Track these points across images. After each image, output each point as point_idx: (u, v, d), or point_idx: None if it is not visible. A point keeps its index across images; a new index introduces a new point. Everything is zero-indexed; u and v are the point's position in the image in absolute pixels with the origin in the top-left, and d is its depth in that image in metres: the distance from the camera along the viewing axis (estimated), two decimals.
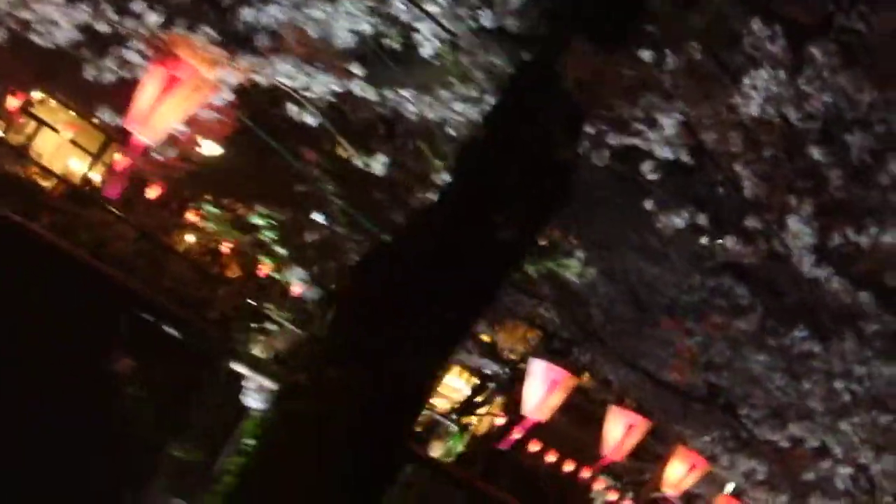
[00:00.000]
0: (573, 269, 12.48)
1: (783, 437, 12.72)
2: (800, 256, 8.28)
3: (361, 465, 6.00)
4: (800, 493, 13.33)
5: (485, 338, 22.37)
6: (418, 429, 24.94)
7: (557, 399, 13.58)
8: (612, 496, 29.71)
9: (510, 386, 24.59)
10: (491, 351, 24.35)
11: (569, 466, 29.00)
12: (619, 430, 14.18)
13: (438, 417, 24.67)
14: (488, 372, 25.16)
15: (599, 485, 28.45)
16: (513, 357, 23.99)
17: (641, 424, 14.36)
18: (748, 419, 13.15)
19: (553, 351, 17.08)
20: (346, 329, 6.64)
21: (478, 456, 26.34)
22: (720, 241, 8.70)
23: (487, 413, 27.99)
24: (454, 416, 25.19)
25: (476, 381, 27.72)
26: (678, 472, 14.55)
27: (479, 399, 27.04)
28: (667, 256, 11.96)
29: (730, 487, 16.08)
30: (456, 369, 28.57)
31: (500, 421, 28.03)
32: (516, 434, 24.58)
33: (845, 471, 12.71)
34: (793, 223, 7.82)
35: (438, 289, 6.50)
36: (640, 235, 11.80)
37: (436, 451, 24.42)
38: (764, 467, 13.25)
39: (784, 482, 13.25)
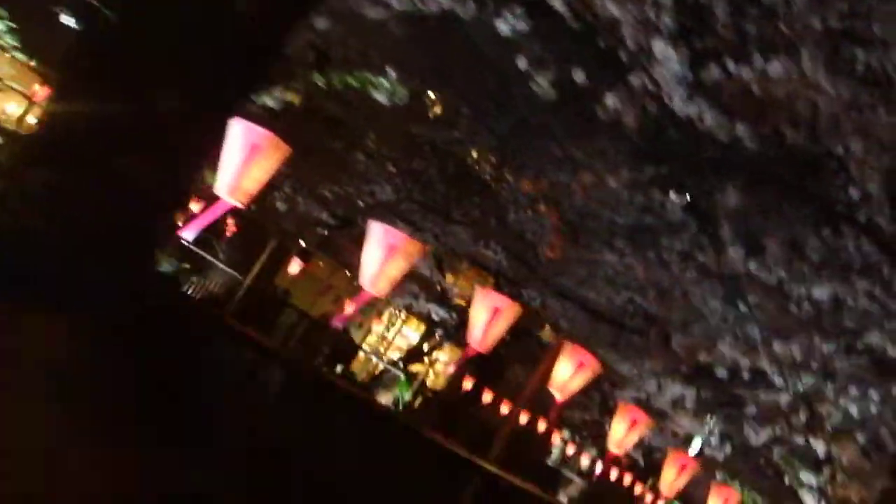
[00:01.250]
0: (383, 87, 11.75)
1: (720, 364, 12.08)
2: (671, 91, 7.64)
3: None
4: (734, 419, 12.76)
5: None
6: (363, 377, 24.23)
7: (501, 327, 12.75)
8: (571, 449, 29.20)
9: (458, 332, 23.93)
10: (440, 296, 23.62)
11: (525, 418, 28.27)
12: (569, 369, 13.44)
13: (385, 365, 23.95)
14: (436, 318, 24.40)
15: (559, 437, 27.90)
16: (462, 303, 23.25)
17: (591, 363, 13.66)
18: (681, 347, 12.50)
19: (501, 291, 16.46)
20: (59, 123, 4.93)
21: (433, 407, 25.70)
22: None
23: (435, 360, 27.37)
24: (401, 364, 24.47)
25: (423, 327, 26.98)
26: (620, 431, 13.89)
27: (427, 346, 26.31)
28: (592, 169, 11.17)
29: (696, 445, 15.58)
30: (403, 316, 27.89)
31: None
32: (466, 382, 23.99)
33: (784, 398, 12.05)
34: (658, 48, 7.38)
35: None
36: (560, 148, 11.04)
37: (383, 399, 23.68)
38: (692, 392, 12.66)
39: (714, 407, 12.71)
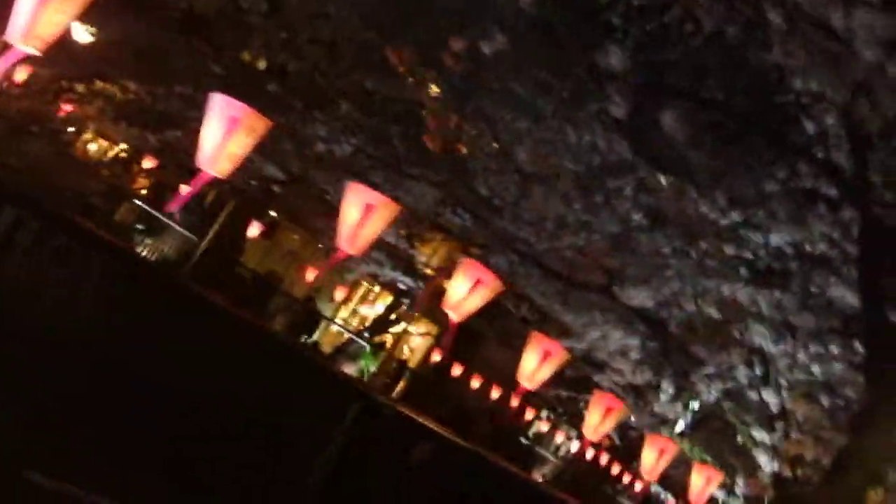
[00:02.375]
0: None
1: (671, 316, 11.46)
2: None
3: None
4: (679, 371, 12.13)
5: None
6: (326, 349, 23.53)
7: (479, 299, 12.16)
8: (545, 426, 28.66)
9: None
10: (407, 266, 22.96)
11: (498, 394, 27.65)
12: (536, 358, 12.92)
13: (350, 335, 23.25)
14: (402, 287, 23.73)
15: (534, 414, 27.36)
16: (429, 272, 22.57)
17: (559, 352, 13.12)
18: (628, 297, 11.86)
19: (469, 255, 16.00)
20: None
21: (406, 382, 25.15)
22: None
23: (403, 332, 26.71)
24: (366, 335, 23.76)
25: (389, 297, 26.27)
26: (595, 419, 13.36)
27: (392, 316, 25.60)
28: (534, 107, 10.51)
29: (679, 427, 15.05)
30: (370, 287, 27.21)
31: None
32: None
33: (738, 352, 11.41)
34: None
35: None
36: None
37: (348, 370, 22.98)
38: (636, 342, 12.05)
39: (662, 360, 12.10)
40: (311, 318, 23.12)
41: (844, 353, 10.41)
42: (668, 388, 12.98)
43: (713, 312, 11.16)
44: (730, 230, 10.54)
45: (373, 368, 23.83)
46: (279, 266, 26.02)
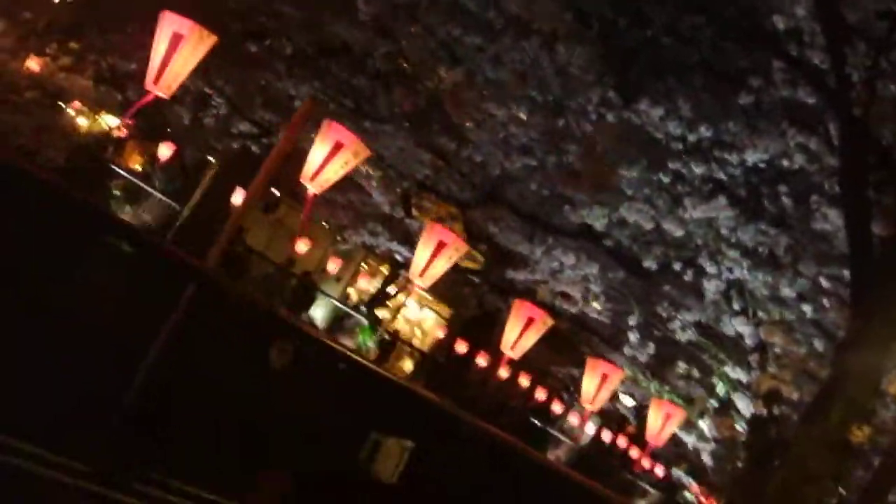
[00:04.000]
0: None
1: (639, 247, 10.43)
2: None
3: None
4: (649, 310, 11.10)
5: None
6: (322, 324, 22.65)
7: (442, 265, 11.43)
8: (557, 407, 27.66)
9: None
10: (404, 237, 22.01)
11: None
12: (520, 325, 12.38)
13: (347, 310, 22.31)
14: (399, 259, 22.78)
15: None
16: None
17: (542, 318, 12.35)
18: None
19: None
20: None
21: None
22: None
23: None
24: (363, 309, 22.79)
25: (386, 270, 25.21)
26: (591, 386, 12.54)
27: (390, 289, 24.57)
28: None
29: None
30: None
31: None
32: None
33: (714, 284, 10.35)
34: None
35: None
36: None
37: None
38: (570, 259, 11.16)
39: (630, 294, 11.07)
40: (308, 292, 22.27)
41: (828, 281, 9.32)
42: (636, 324, 11.93)
43: (687, 242, 10.13)
44: (702, 149, 9.50)
45: (370, 343, 22.92)
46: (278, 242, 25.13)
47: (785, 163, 9.12)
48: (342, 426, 5.80)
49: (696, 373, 12.06)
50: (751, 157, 9.36)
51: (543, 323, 12.33)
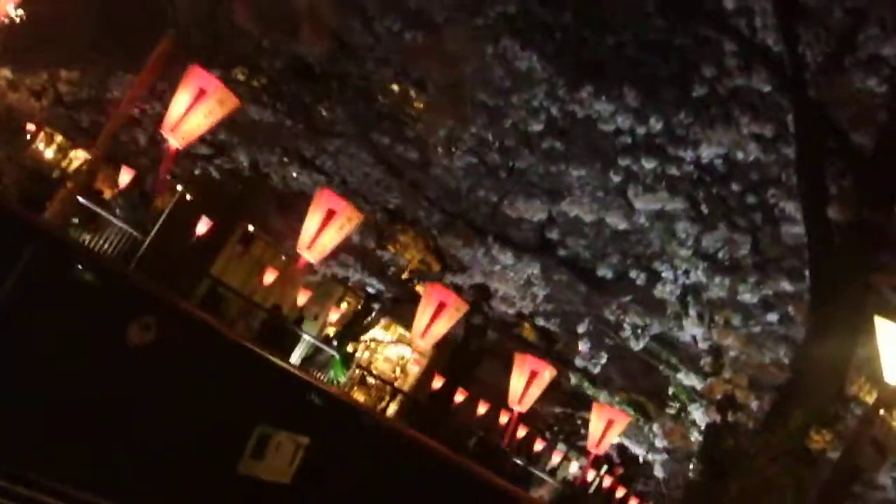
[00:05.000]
0: None
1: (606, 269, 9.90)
2: None
3: None
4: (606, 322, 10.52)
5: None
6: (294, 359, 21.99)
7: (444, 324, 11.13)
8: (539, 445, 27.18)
9: (394, 306, 21.82)
10: (378, 269, 21.49)
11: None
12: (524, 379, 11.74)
13: (318, 344, 21.64)
14: (372, 291, 22.20)
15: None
16: (403, 276, 21.17)
17: (545, 370, 11.84)
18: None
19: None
20: None
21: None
22: None
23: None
24: (334, 342, 22.14)
25: (358, 302, 24.61)
26: (598, 429, 11.95)
27: (365, 322, 23.91)
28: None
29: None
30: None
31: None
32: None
33: (669, 288, 9.75)
34: None
35: None
36: None
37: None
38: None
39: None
40: (279, 329, 21.65)
41: (787, 279, 8.75)
42: (585, 331, 11.30)
43: (633, 242, 9.56)
44: (654, 142, 8.96)
45: (342, 379, 22.27)
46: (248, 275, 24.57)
47: (739, 154, 8.58)
48: (221, 418, 5.11)
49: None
50: (706, 151, 8.82)
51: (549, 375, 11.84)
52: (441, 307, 10.59)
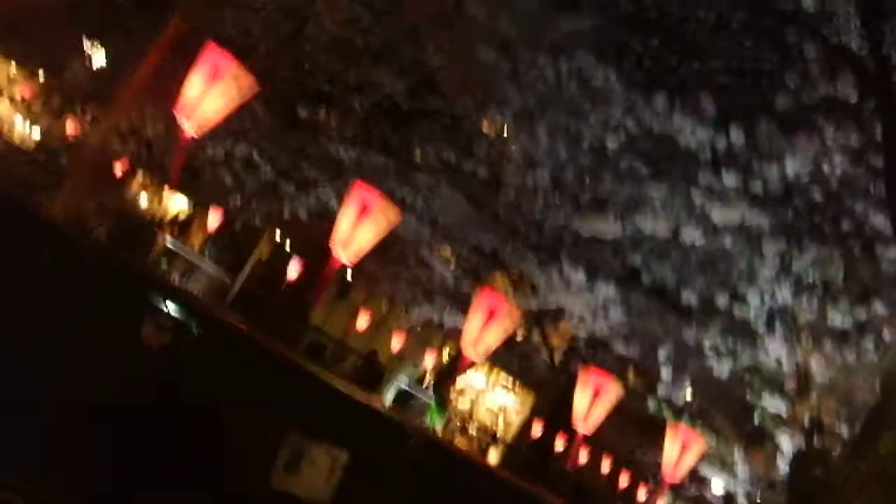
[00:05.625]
0: None
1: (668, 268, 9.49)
2: None
3: None
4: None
5: None
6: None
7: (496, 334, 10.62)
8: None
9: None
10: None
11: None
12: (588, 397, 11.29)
13: (409, 390, 21.41)
14: None
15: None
16: None
17: (611, 386, 11.44)
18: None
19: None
20: None
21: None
22: None
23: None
24: (429, 386, 21.88)
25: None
26: (673, 454, 11.47)
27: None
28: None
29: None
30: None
31: None
32: None
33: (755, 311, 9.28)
34: None
35: None
36: None
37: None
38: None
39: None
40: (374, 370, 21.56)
41: (881, 301, 8.22)
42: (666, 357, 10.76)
43: (718, 262, 9.15)
44: (736, 158, 8.60)
45: (438, 425, 21.97)
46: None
47: (825, 167, 8.15)
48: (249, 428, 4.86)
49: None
50: (791, 166, 8.41)
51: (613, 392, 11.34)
52: (491, 314, 10.09)
